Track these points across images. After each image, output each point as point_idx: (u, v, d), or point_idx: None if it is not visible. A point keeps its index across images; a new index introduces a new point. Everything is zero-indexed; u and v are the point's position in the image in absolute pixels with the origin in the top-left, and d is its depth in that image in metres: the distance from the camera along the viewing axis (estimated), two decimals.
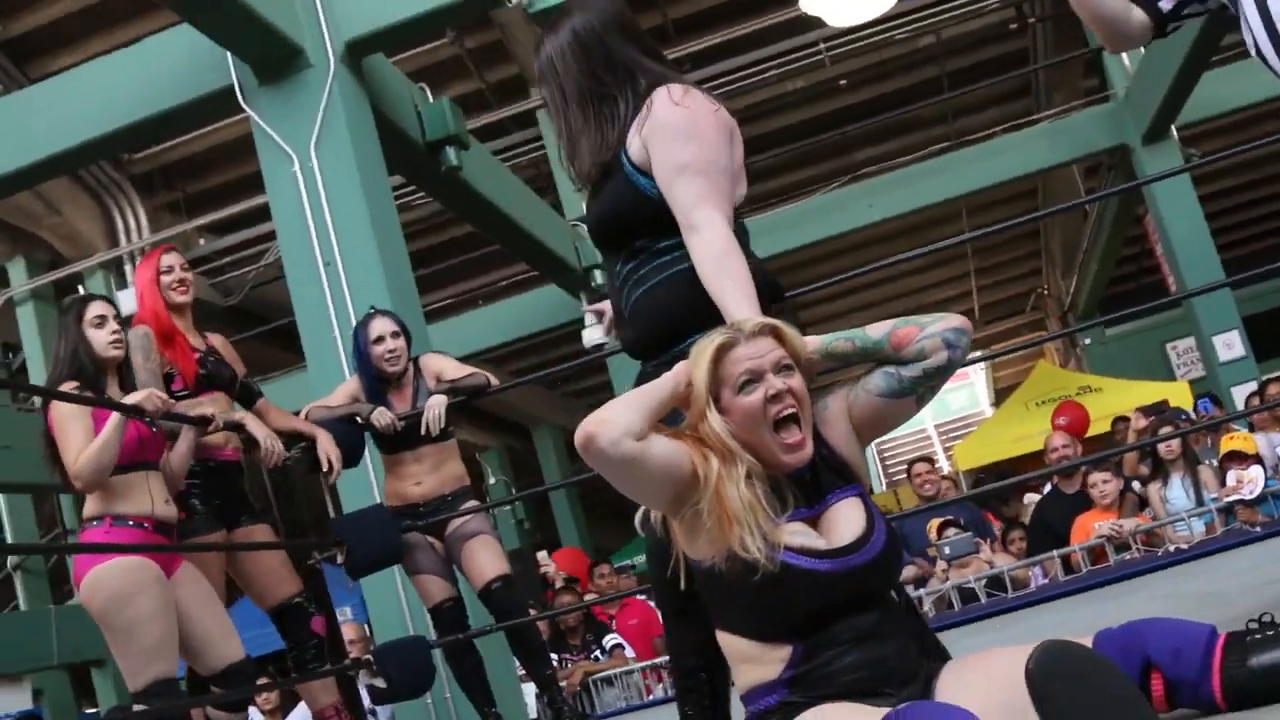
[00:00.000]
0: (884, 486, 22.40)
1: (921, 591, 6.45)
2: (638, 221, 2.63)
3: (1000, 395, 20.30)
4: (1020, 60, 14.66)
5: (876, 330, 2.40)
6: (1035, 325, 21.09)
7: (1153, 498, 6.76)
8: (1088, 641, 2.06)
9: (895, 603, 2.31)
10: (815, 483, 2.34)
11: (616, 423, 2.16)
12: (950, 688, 2.11)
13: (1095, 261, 16.57)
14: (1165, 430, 6.96)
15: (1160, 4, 2.69)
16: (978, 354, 19.29)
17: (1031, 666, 1.71)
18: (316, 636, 4.62)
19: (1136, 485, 7.08)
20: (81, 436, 3.85)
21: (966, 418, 22.26)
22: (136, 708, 3.85)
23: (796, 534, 2.24)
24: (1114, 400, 12.99)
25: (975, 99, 14.81)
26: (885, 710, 1.98)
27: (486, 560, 4.99)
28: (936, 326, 2.36)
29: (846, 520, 2.28)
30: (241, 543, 4.54)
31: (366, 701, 6.01)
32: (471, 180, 8.91)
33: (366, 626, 6.67)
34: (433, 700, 5.96)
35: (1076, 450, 7.64)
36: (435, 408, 4.86)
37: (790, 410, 2.26)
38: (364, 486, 5.86)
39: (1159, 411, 7.98)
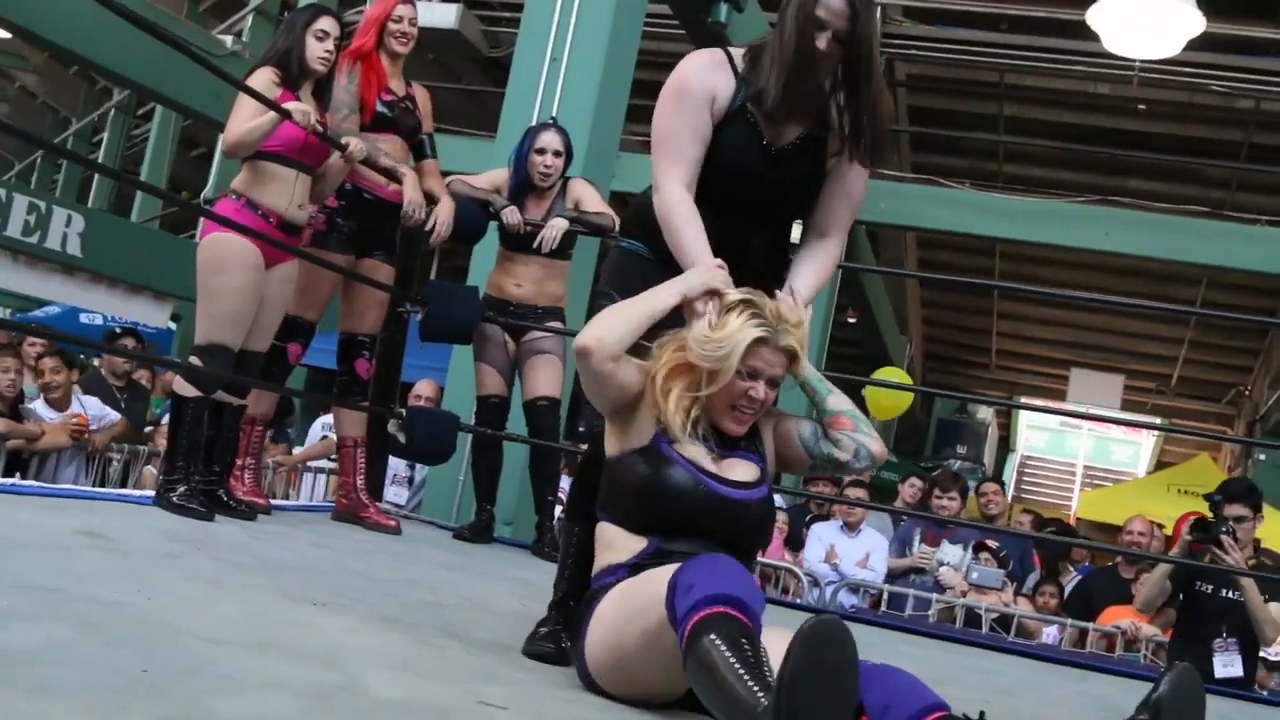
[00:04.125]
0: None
1: (933, 595, 6.59)
2: None
3: (1159, 467, 19.81)
4: None
5: (838, 402, 2.76)
6: (1223, 419, 20.42)
7: None
8: None
9: (750, 561, 2.58)
10: (732, 440, 2.64)
11: (608, 344, 2.53)
12: None
13: None
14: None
15: None
16: (1158, 421, 18.90)
17: (803, 629, 1.93)
18: (356, 376, 5.02)
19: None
20: (247, 114, 4.24)
21: (1118, 472, 21.77)
22: (191, 359, 4.28)
23: (696, 452, 2.55)
24: None
25: (1265, 180, 14.23)
26: None
27: (545, 378, 5.27)
28: (864, 438, 2.73)
29: (742, 469, 2.60)
30: (341, 267, 4.90)
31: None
32: (732, 39, 9.01)
33: (441, 391, 7.06)
34: (464, 479, 6.36)
35: (1151, 544, 7.58)
36: (555, 228, 5.13)
37: (751, 412, 2.60)
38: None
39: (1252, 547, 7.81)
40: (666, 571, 2.22)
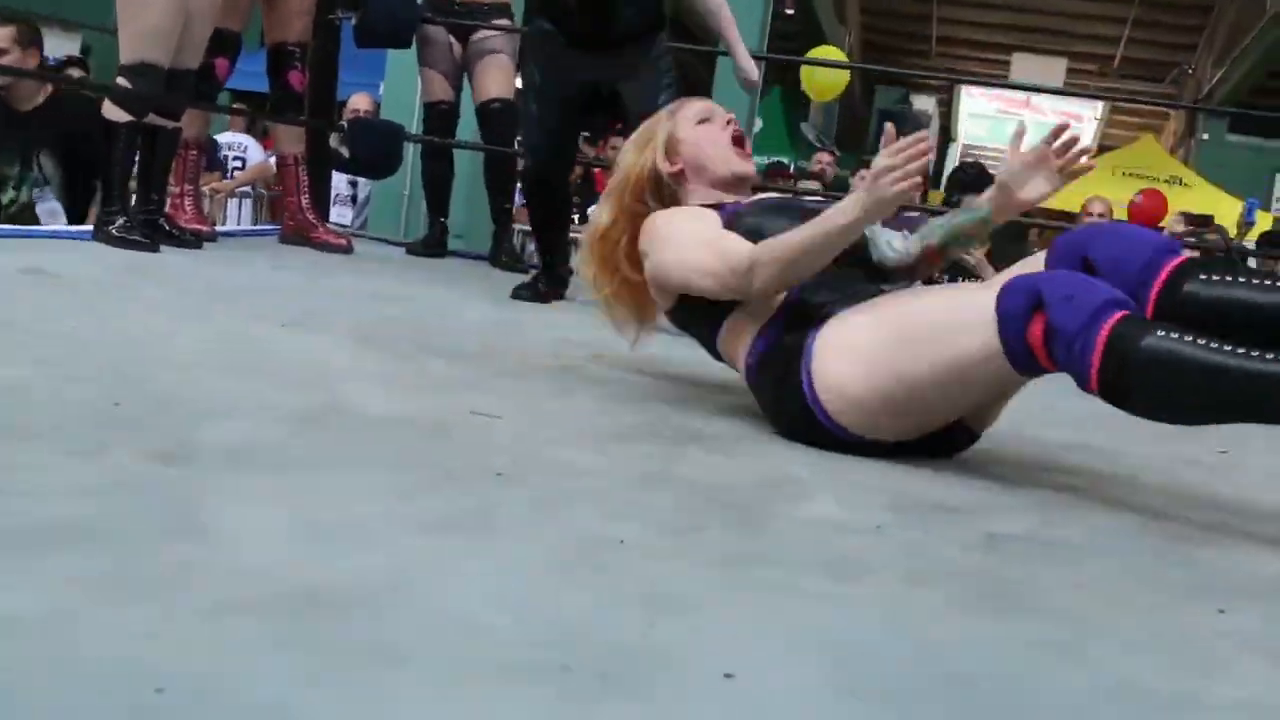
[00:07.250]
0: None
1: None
2: None
3: (1100, 151, 19.76)
4: None
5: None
6: (1165, 99, 20.26)
7: None
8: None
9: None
10: None
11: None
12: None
13: (1250, 59, 15.79)
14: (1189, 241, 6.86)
15: None
16: (1100, 99, 18.69)
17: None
18: (290, 89, 4.74)
19: None
20: None
21: None
22: (118, 80, 3.99)
23: None
24: (1197, 200, 12.69)
25: None
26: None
27: (495, 79, 5.02)
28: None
29: None
30: None
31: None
32: None
33: (378, 106, 6.79)
34: (409, 193, 6.17)
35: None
36: None
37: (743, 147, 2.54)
38: None
39: (1202, 222, 7.79)
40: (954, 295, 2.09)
